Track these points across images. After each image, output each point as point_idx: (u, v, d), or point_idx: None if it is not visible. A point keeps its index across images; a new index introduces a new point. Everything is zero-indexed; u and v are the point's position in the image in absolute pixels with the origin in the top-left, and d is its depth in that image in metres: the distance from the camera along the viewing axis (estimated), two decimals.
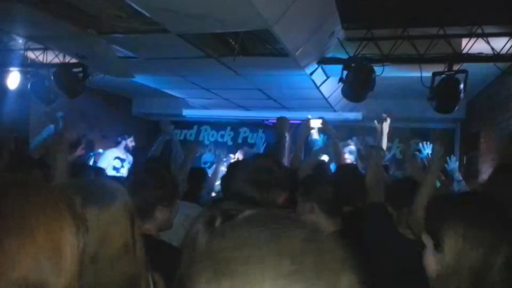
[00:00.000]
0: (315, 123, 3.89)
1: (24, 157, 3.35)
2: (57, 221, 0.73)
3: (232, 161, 5.30)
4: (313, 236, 0.55)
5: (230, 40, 3.76)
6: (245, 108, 7.27)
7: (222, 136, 8.80)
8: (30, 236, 0.69)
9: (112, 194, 1.17)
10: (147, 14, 3.05)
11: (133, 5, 2.88)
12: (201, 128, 8.88)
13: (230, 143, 8.70)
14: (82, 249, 0.78)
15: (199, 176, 3.72)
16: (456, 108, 4.06)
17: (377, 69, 3.93)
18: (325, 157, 4.47)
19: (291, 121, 3.68)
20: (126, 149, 6.18)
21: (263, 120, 7.89)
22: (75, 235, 0.75)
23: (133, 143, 6.23)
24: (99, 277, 1.08)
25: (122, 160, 6.10)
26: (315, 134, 4.26)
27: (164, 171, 2.02)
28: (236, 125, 8.63)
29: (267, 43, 3.71)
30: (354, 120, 6.71)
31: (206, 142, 8.82)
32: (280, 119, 3.59)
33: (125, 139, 6.20)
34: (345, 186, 2.97)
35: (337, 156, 3.83)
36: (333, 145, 3.82)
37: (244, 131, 8.67)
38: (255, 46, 3.87)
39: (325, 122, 4.05)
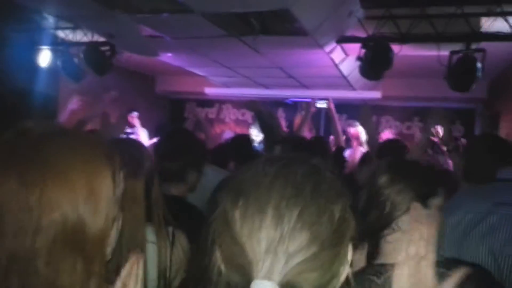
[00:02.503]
0: (321, 105, 4.00)
1: None
2: (93, 166, 0.78)
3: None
4: (313, 171, 0.72)
5: (252, 20, 3.88)
6: (266, 86, 7.38)
7: (243, 114, 8.97)
8: (68, 179, 0.74)
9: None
10: None
11: None
12: (222, 106, 9.06)
13: (250, 121, 8.86)
14: (118, 194, 0.82)
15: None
16: (474, 87, 4.09)
17: (395, 47, 3.99)
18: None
19: (307, 99, 3.79)
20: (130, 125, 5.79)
21: (283, 98, 7.99)
22: (111, 180, 0.80)
23: (133, 118, 5.80)
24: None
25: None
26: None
27: (194, 138, 2.25)
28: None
29: (287, 22, 3.81)
30: (373, 99, 6.75)
31: (227, 120, 9.02)
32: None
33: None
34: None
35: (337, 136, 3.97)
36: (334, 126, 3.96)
37: None
38: (276, 25, 3.97)
39: (329, 103, 4.17)
